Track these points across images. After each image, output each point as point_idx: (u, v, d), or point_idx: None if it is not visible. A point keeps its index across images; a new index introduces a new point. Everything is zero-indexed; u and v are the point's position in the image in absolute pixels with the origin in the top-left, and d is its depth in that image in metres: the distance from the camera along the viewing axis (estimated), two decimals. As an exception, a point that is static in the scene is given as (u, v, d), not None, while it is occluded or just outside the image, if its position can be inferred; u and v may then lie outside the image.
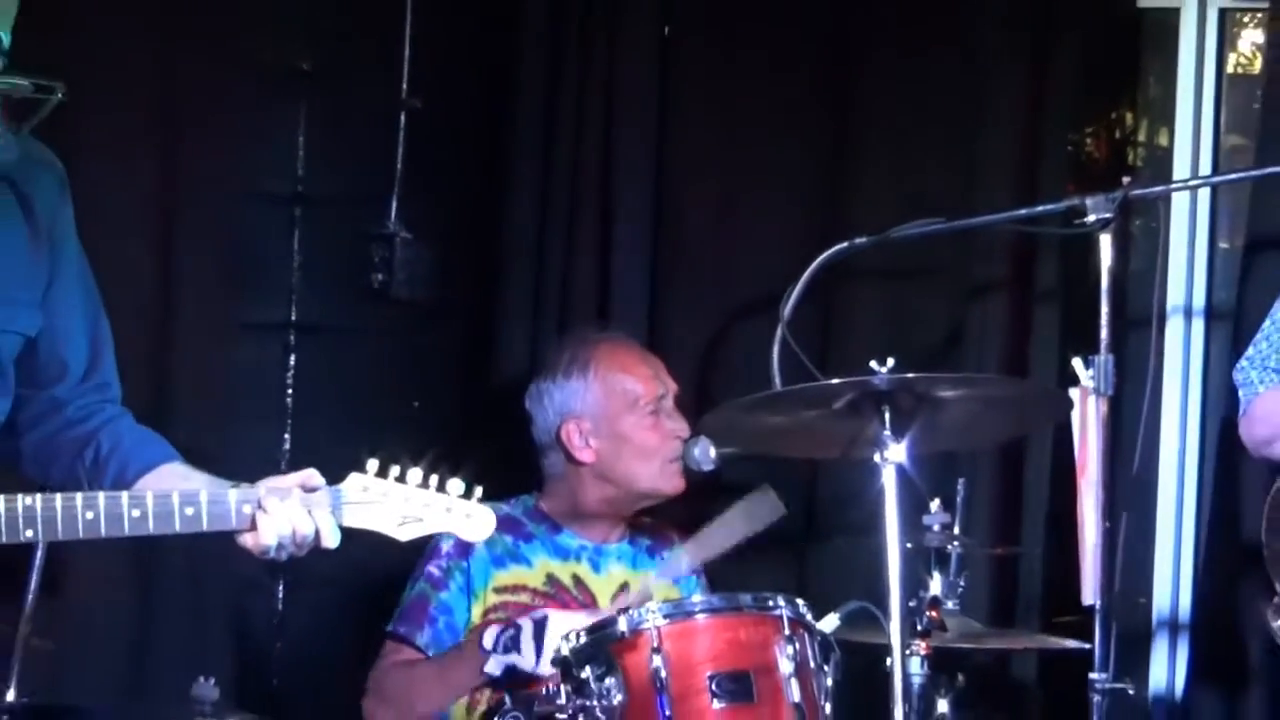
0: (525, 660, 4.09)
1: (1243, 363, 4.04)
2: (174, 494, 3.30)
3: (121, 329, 4.60)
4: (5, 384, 3.45)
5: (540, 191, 5.48)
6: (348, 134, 5.38)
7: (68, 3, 4.57)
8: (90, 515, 3.25)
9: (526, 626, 4.33)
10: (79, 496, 3.27)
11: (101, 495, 3.28)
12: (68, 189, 3.56)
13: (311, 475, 3.39)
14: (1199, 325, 5.30)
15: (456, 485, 3.47)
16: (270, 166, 5.26)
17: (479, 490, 3.49)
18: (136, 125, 4.83)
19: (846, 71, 5.36)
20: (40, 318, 3.47)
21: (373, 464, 3.43)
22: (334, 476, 3.53)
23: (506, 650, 4.26)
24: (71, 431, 3.49)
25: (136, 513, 3.28)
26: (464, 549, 4.73)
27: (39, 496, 3.24)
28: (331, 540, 3.38)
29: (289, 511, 3.35)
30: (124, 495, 3.30)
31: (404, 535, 3.46)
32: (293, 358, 5.26)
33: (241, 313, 5.15)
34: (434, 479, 3.46)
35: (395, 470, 3.44)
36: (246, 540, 3.35)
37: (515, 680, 3.93)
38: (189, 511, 3.30)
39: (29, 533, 3.22)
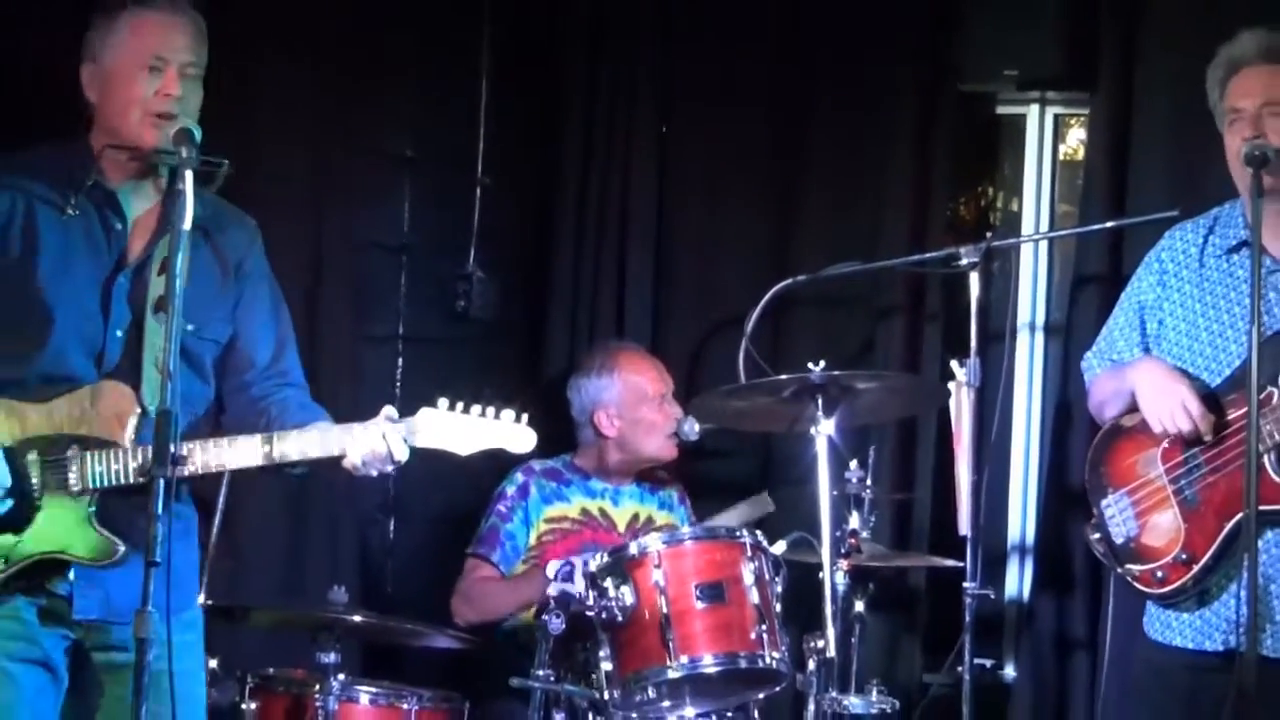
0: (575, 588, 4.04)
1: (1088, 354, 4.01)
2: (292, 434, 3.31)
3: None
4: (206, 376, 3.50)
5: (575, 243, 5.45)
6: (439, 203, 5.36)
7: (248, 112, 4.60)
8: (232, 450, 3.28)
9: (578, 565, 4.28)
10: (226, 438, 3.29)
11: (242, 436, 3.30)
12: (259, 237, 3.60)
13: (388, 410, 3.34)
14: (1040, 337, 5.28)
15: (509, 414, 3.38)
16: (384, 226, 5.25)
17: (525, 416, 3.39)
18: (294, 197, 4.85)
19: (793, 162, 5.33)
20: (229, 328, 3.49)
21: (443, 402, 3.35)
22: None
23: (563, 580, 4.20)
24: (254, 405, 3.49)
25: (268, 449, 3.28)
26: (523, 492, 4.77)
27: (198, 441, 3.28)
28: (400, 455, 3.32)
29: (368, 437, 3.30)
30: (259, 435, 3.30)
31: (464, 451, 3.36)
32: (400, 361, 5.24)
33: (364, 329, 5.15)
34: (490, 410, 3.37)
35: (460, 405, 3.35)
36: (345, 463, 3.33)
37: (564, 603, 3.87)
38: (303, 444, 3.30)
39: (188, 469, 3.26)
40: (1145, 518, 3.75)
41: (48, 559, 3.30)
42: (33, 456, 3.28)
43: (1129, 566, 3.77)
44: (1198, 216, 3.87)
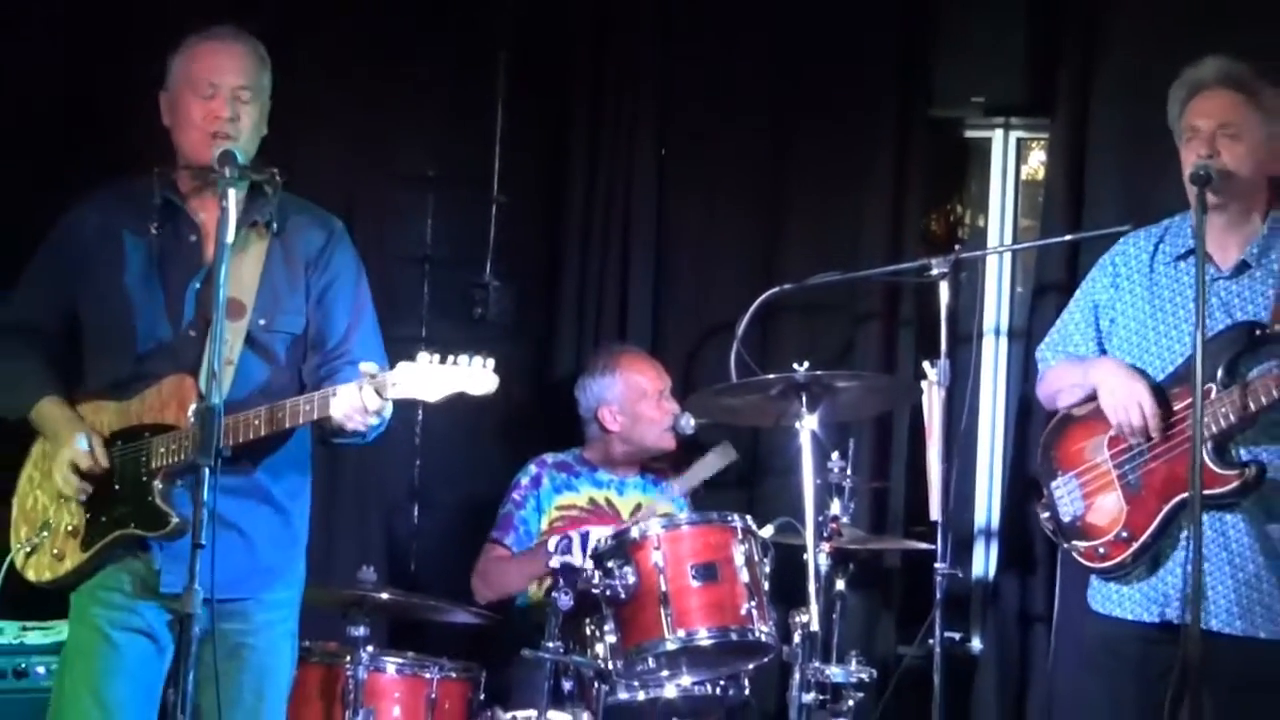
0: (575, 559, 4.07)
1: (1041, 346, 4.04)
2: (301, 399, 3.31)
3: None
4: (279, 364, 3.51)
5: (581, 254, 5.44)
6: (459, 218, 5.36)
7: (284, 135, 4.58)
8: (258, 421, 3.30)
9: (575, 538, 4.32)
10: (251, 410, 3.31)
11: (264, 407, 3.32)
12: (339, 235, 3.61)
13: (367, 366, 3.27)
14: (1003, 341, 5.27)
15: (478, 360, 3.21)
16: (409, 239, 5.27)
17: (491, 361, 3.22)
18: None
19: (780, 182, 5.32)
20: (302, 320, 3.51)
21: (423, 356, 3.19)
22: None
23: (563, 553, 4.23)
24: (319, 381, 3.47)
25: (280, 414, 3.30)
26: (536, 482, 4.78)
27: (233, 416, 3.28)
28: (372, 405, 3.22)
29: (345, 393, 3.25)
30: (274, 404, 3.31)
31: (432, 397, 3.19)
32: (423, 362, 5.25)
33: (391, 332, 5.06)
34: (463, 359, 3.19)
35: (436, 358, 3.18)
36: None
37: (568, 572, 3.89)
38: (307, 407, 3.30)
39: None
40: (1091, 499, 3.78)
41: (125, 537, 3.39)
42: (115, 448, 3.42)
43: (1075, 543, 3.80)
44: (1150, 225, 3.89)
